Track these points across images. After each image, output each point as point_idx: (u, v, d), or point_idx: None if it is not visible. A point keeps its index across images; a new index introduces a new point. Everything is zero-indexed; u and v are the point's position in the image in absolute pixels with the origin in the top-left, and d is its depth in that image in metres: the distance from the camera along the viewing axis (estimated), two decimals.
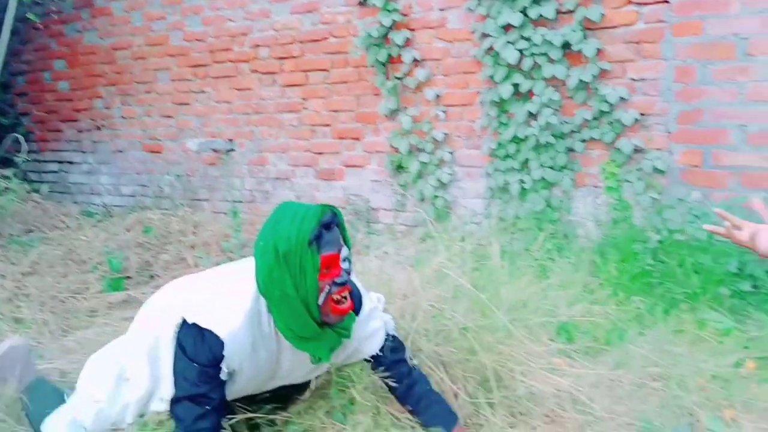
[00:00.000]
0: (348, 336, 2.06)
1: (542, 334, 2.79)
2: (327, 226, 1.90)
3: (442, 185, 4.56)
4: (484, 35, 4.22)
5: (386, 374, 2.21)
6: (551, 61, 3.99)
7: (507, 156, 4.24)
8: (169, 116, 5.93)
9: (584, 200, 4.07)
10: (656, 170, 3.80)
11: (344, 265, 1.94)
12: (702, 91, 3.66)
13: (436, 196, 4.56)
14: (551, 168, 4.09)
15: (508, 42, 4.07)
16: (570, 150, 4.06)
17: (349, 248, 1.98)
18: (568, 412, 2.36)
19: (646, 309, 3.22)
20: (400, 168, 4.73)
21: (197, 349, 1.92)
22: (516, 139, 4.18)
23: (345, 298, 1.96)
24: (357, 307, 2.09)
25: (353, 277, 2.05)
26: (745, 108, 3.55)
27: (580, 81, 3.92)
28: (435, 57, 4.52)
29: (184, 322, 1.96)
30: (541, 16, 3.98)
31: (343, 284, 1.93)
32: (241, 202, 5.47)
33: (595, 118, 3.94)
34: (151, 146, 6.09)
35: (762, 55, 3.48)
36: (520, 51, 4.04)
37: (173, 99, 5.88)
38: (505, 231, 4.11)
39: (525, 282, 3.13)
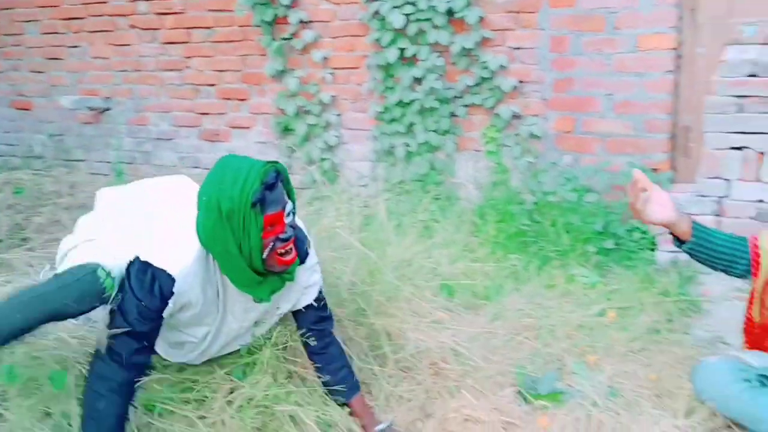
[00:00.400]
0: (292, 279, 2.09)
1: (426, 291, 2.93)
2: (270, 187, 1.90)
3: (329, 148, 4.61)
4: None
5: (310, 330, 2.25)
6: (436, 27, 4.09)
7: (393, 120, 4.34)
8: (39, 71, 5.59)
9: (466, 164, 4.24)
10: (532, 135, 4.02)
11: (288, 220, 1.95)
12: (574, 61, 3.89)
13: (324, 159, 4.61)
14: (435, 132, 4.23)
15: (395, 6, 4.13)
16: (453, 115, 4.21)
17: (294, 201, 1.99)
18: (450, 365, 2.51)
19: (521, 266, 3.43)
20: (286, 130, 4.72)
21: (146, 287, 1.92)
22: (401, 103, 4.27)
23: (290, 250, 1.99)
24: (302, 254, 2.11)
25: (300, 224, 2.10)
26: (611, 78, 3.81)
27: (463, 48, 4.05)
28: (322, 19, 4.51)
29: (135, 259, 1.94)
30: None
31: (287, 239, 1.96)
32: (120, 162, 5.27)
33: (476, 84, 4.10)
34: (19, 103, 5.73)
35: (627, 28, 3.74)
36: (406, 16, 4.11)
37: (44, 53, 5.54)
38: (391, 193, 4.23)
39: (410, 242, 3.26)
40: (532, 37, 3.96)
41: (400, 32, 4.18)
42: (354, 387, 2.27)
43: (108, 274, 1.90)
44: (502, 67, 4.02)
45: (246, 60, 4.80)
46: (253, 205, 1.87)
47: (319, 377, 2.26)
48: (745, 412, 2.07)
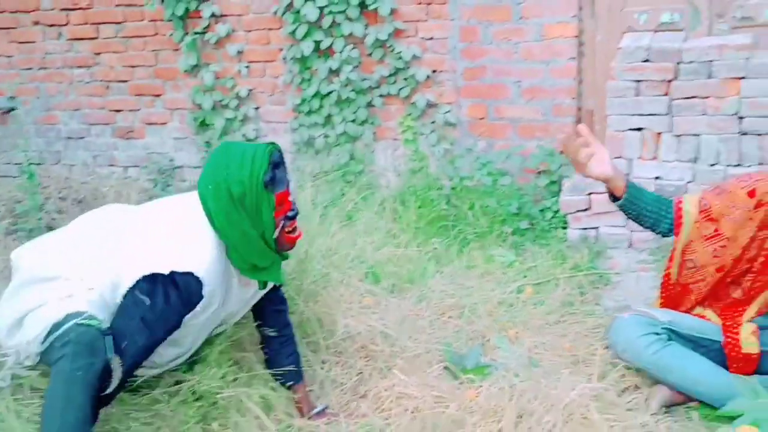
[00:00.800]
0: (288, 257, 2.18)
1: (353, 278, 3.02)
2: (276, 165, 1.97)
3: (248, 141, 4.61)
4: None
5: (272, 314, 2.30)
6: (349, 19, 4.16)
7: (311, 111, 4.39)
8: None
9: (385, 152, 4.34)
10: (447, 123, 4.16)
11: (292, 198, 2.02)
12: (484, 50, 4.04)
13: None
14: (353, 122, 4.30)
15: (308, 0, 4.17)
16: (370, 105, 4.29)
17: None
18: (380, 347, 2.61)
19: (442, 249, 3.57)
20: (204, 125, 4.69)
21: (173, 297, 1.88)
22: (319, 95, 4.33)
23: (296, 227, 2.08)
24: None
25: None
26: (519, 66, 3.98)
27: (377, 39, 4.14)
28: (235, 12, 4.49)
29: (143, 277, 1.88)
30: None
31: (294, 217, 2.04)
32: (31, 164, 5.09)
33: (391, 75, 4.20)
34: None
35: (533, 18, 3.92)
36: (320, 8, 4.16)
37: None
38: (313, 184, 4.28)
39: (335, 230, 3.33)
40: (444, 27, 4.09)
41: (314, 25, 4.23)
42: (301, 373, 2.34)
43: (88, 319, 1.81)
44: (415, 57, 4.14)
45: (159, 55, 4.73)
46: (265, 185, 1.94)
47: (269, 363, 2.31)
48: (653, 363, 2.26)
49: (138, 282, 1.89)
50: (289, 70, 4.41)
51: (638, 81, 3.52)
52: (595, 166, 2.24)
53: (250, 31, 4.50)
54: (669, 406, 2.27)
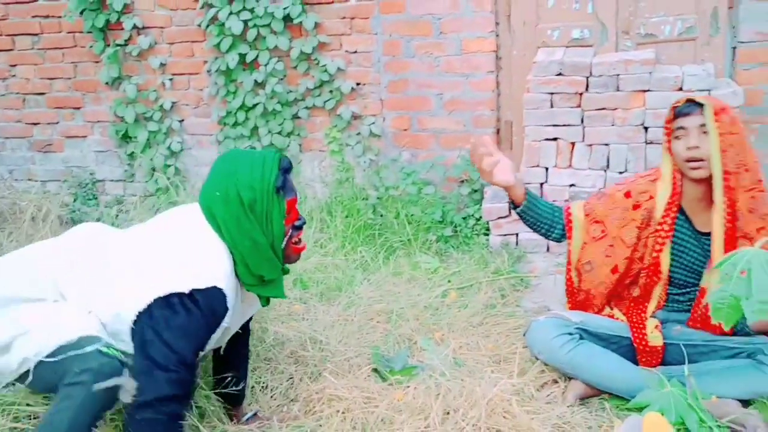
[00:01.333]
0: (289, 271, 2.12)
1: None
2: (286, 171, 1.94)
3: (173, 154, 4.58)
4: (208, 5, 4.29)
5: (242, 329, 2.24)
6: (274, 32, 4.20)
7: (236, 123, 4.40)
8: None
9: (311, 163, 4.40)
10: (372, 134, 4.25)
11: (298, 209, 2.00)
12: (407, 64, 4.16)
13: (168, 165, 4.57)
14: (279, 134, 4.34)
15: (232, 13, 4.19)
16: (296, 117, 4.34)
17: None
18: (310, 351, 2.65)
19: (369, 257, 3.65)
20: (126, 137, 4.63)
21: (196, 315, 1.80)
22: (244, 107, 4.35)
23: (302, 238, 2.04)
24: None
25: None
26: (440, 79, 4.12)
27: (302, 52, 4.20)
28: (158, 25, 4.47)
29: (155, 300, 1.80)
30: None
31: (301, 227, 2.00)
32: None
33: (317, 87, 4.27)
34: None
35: (452, 33, 4.06)
36: (245, 22, 4.19)
37: None
38: None
39: None
40: (367, 41, 4.19)
41: (239, 38, 4.25)
42: (240, 397, 2.31)
43: (108, 348, 1.77)
44: (340, 70, 4.22)
45: (78, 67, 4.65)
46: (277, 191, 1.91)
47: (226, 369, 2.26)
48: (567, 362, 2.39)
49: (151, 306, 1.80)
50: (213, 83, 4.41)
51: (552, 93, 3.69)
52: (497, 174, 2.37)
53: (173, 43, 4.49)
54: (584, 399, 2.39)
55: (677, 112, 2.31)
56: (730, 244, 2.27)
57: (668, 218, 2.37)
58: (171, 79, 4.51)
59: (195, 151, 4.61)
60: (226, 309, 1.87)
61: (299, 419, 2.26)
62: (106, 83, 4.56)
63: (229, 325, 1.97)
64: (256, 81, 4.27)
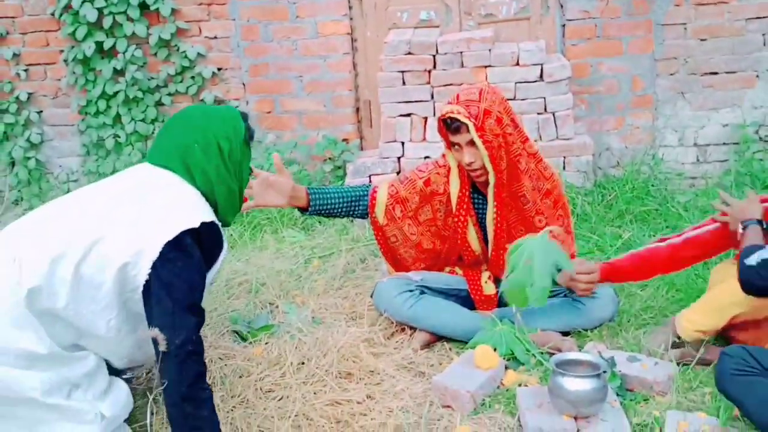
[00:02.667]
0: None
1: None
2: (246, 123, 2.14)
3: (33, 146, 4.49)
4: None
5: None
6: (130, 19, 4.21)
7: (98, 112, 4.37)
8: None
9: None
10: None
11: None
12: (266, 48, 4.29)
13: (28, 158, 4.48)
14: (143, 121, 4.35)
15: (86, 0, 4.16)
16: (159, 104, 4.37)
17: None
18: None
19: (237, 235, 3.76)
20: None
21: (189, 264, 1.89)
22: (105, 96, 4.33)
23: None
24: None
25: None
26: (300, 61, 4.28)
27: (161, 39, 4.23)
28: (8, 14, 4.37)
29: (168, 242, 1.85)
30: None
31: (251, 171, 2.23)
32: None
33: (178, 73, 4.31)
34: None
35: (308, 17, 4.22)
36: (99, 10, 4.17)
37: None
38: None
39: None
40: (225, 26, 4.28)
41: (94, 26, 4.23)
42: None
43: None
44: (200, 55, 4.29)
45: None
46: (246, 141, 2.10)
47: None
48: (410, 316, 2.61)
49: (163, 251, 1.85)
50: (71, 72, 4.36)
51: (403, 72, 3.92)
52: (272, 197, 2.59)
53: (25, 33, 4.40)
54: (429, 345, 2.63)
55: (448, 129, 2.55)
56: (501, 231, 2.61)
57: (462, 208, 2.65)
58: (26, 70, 4.42)
59: (56, 142, 4.54)
60: (223, 242, 2.05)
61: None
62: None
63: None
64: (115, 69, 4.26)
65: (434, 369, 2.41)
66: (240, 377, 2.33)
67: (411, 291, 2.64)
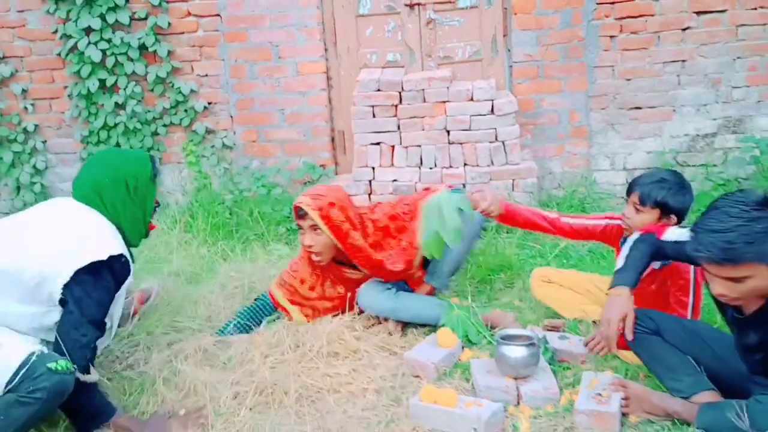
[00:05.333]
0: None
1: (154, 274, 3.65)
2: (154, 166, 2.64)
3: (38, 172, 4.98)
4: (66, 36, 4.75)
5: None
6: (131, 59, 4.75)
7: (99, 141, 4.88)
8: None
9: (172, 174, 4.97)
10: (225, 146, 4.90)
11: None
12: (252, 85, 4.86)
13: (33, 183, 4.95)
14: (141, 149, 4.87)
15: (91, 43, 4.69)
16: (155, 134, 4.90)
17: None
18: (183, 323, 3.26)
19: (229, 249, 4.28)
20: None
21: (105, 284, 2.35)
22: (107, 127, 4.84)
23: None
24: None
25: None
26: (282, 96, 4.86)
27: (158, 77, 4.77)
28: (17, 54, 4.87)
29: (79, 270, 2.29)
30: (117, 21, 4.71)
31: (158, 208, 2.68)
32: None
33: (173, 107, 4.86)
34: None
35: (289, 58, 4.81)
36: (103, 51, 4.70)
37: None
38: None
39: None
40: (216, 66, 4.84)
41: (98, 65, 4.75)
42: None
43: (71, 371, 2.24)
44: (193, 91, 4.83)
45: None
46: (153, 178, 2.58)
47: None
48: (390, 310, 3.12)
49: (76, 274, 2.30)
50: (75, 106, 4.87)
51: (373, 106, 4.52)
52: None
53: (33, 71, 4.90)
54: (403, 329, 3.17)
55: (297, 212, 3.09)
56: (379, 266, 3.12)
57: (317, 287, 3.22)
58: (33, 104, 4.92)
59: (59, 169, 5.03)
60: (130, 272, 2.52)
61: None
62: None
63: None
64: (116, 103, 4.79)
65: (405, 348, 2.96)
66: (243, 359, 2.85)
67: (389, 289, 3.18)
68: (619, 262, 2.56)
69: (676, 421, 2.32)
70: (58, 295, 2.33)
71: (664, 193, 2.73)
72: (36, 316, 2.36)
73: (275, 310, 3.27)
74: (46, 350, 2.28)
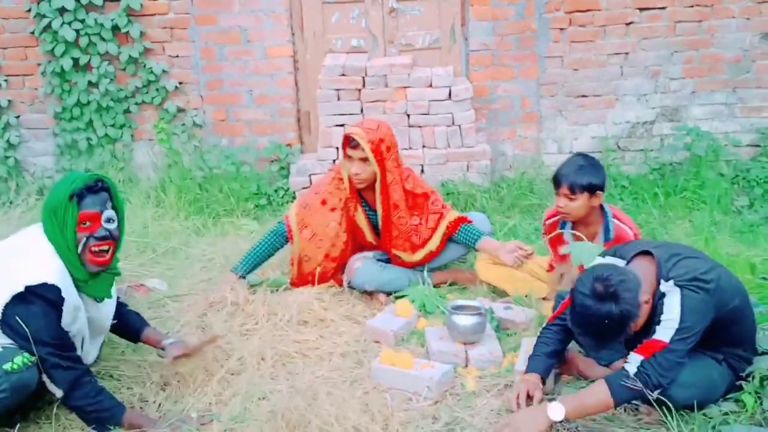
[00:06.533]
0: (119, 273, 2.57)
1: (132, 251, 3.91)
2: (90, 189, 2.31)
3: (12, 146, 5.13)
4: (40, 15, 4.88)
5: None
6: (104, 40, 4.91)
7: (72, 118, 5.05)
8: None
9: (142, 151, 5.17)
10: (195, 125, 5.12)
11: (107, 225, 2.34)
12: (221, 66, 5.07)
13: (7, 157, 5.11)
14: (113, 126, 5.07)
15: (65, 22, 4.84)
16: (127, 111, 5.09)
17: (120, 212, 2.42)
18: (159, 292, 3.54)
19: (201, 224, 4.54)
20: None
21: (37, 309, 2.22)
22: (80, 104, 5.01)
23: (105, 251, 2.36)
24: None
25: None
26: (250, 78, 5.08)
27: (130, 56, 4.95)
28: None
29: (6, 304, 2.23)
30: (90, 2, 4.86)
31: (102, 239, 2.34)
32: None
33: (145, 86, 5.04)
34: None
35: (257, 41, 5.03)
36: (77, 31, 4.85)
37: None
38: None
39: None
40: (186, 47, 5.03)
41: (72, 44, 4.90)
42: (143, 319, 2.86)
43: (11, 363, 2.21)
44: (164, 71, 5.03)
45: None
46: (70, 198, 2.26)
47: (123, 333, 2.82)
48: (381, 284, 3.46)
49: (5, 310, 2.25)
50: (48, 83, 5.02)
51: (338, 89, 4.79)
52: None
53: (6, 48, 5.02)
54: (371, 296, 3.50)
55: (349, 142, 3.36)
56: (388, 216, 3.47)
57: (351, 206, 3.49)
58: (6, 80, 5.05)
59: (32, 144, 5.19)
60: (62, 299, 2.30)
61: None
62: None
63: (93, 315, 2.48)
64: (90, 81, 4.95)
65: (367, 318, 3.29)
66: (225, 322, 3.15)
67: (380, 265, 3.50)
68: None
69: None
70: None
71: (588, 176, 3.08)
72: None
73: (287, 241, 3.46)
74: None
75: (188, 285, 3.63)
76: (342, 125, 4.81)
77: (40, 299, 2.25)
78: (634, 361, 2.35)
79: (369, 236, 3.58)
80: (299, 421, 2.36)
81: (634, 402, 2.48)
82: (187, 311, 3.29)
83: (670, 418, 2.32)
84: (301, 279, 3.55)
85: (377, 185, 3.42)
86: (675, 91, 5.07)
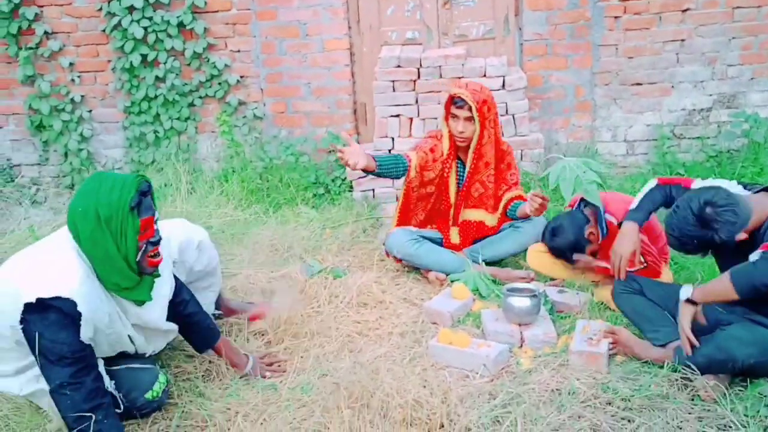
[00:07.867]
0: (159, 275, 2.41)
1: None
2: (144, 194, 2.23)
3: (84, 139, 5.41)
4: (110, 14, 5.14)
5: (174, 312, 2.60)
6: (170, 36, 5.14)
7: (140, 112, 5.30)
8: None
9: (206, 143, 5.39)
10: (256, 117, 5.31)
11: (156, 226, 2.29)
12: (281, 60, 5.24)
13: (80, 149, 5.39)
14: (178, 119, 5.30)
15: (134, 20, 5.08)
16: (192, 105, 5.31)
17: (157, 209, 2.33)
18: (234, 276, 3.72)
19: (262, 211, 4.72)
20: (40, 127, 5.39)
21: (52, 322, 2.11)
22: (147, 98, 5.25)
23: (159, 252, 2.33)
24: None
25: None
26: (308, 71, 5.24)
27: (194, 52, 5.17)
28: (65, 30, 5.26)
29: (24, 307, 2.13)
30: (158, 0, 5.09)
31: (157, 242, 2.30)
32: None
33: (208, 81, 5.26)
34: None
35: (315, 35, 5.18)
36: (144, 28, 5.09)
37: None
38: (147, 172, 5.21)
39: (179, 204, 4.34)
40: (248, 42, 5.22)
41: (140, 41, 5.14)
42: (216, 332, 2.80)
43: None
44: (227, 66, 5.23)
45: None
46: (131, 209, 2.17)
47: (192, 341, 2.77)
48: (416, 255, 3.60)
49: (22, 316, 2.15)
50: (118, 78, 5.28)
51: (394, 81, 4.89)
52: (357, 161, 3.30)
53: (79, 46, 5.29)
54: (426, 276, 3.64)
55: (454, 102, 3.53)
56: (476, 172, 3.64)
57: (447, 165, 3.64)
58: (79, 76, 5.33)
59: (103, 137, 5.46)
60: (79, 313, 2.16)
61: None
62: (21, 81, 5.29)
63: (124, 317, 2.36)
64: (157, 76, 5.19)
65: (423, 301, 3.42)
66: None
67: (415, 239, 3.63)
68: (633, 205, 3.06)
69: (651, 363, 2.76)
70: (12, 334, 2.24)
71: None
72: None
73: (407, 169, 3.57)
74: None
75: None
76: (397, 116, 4.92)
77: (57, 311, 2.15)
78: (757, 254, 2.48)
79: (453, 197, 3.71)
80: (362, 393, 2.49)
81: (690, 379, 2.55)
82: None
83: (726, 392, 2.38)
84: (404, 215, 3.77)
85: (472, 143, 3.59)
86: (732, 78, 5.03)
